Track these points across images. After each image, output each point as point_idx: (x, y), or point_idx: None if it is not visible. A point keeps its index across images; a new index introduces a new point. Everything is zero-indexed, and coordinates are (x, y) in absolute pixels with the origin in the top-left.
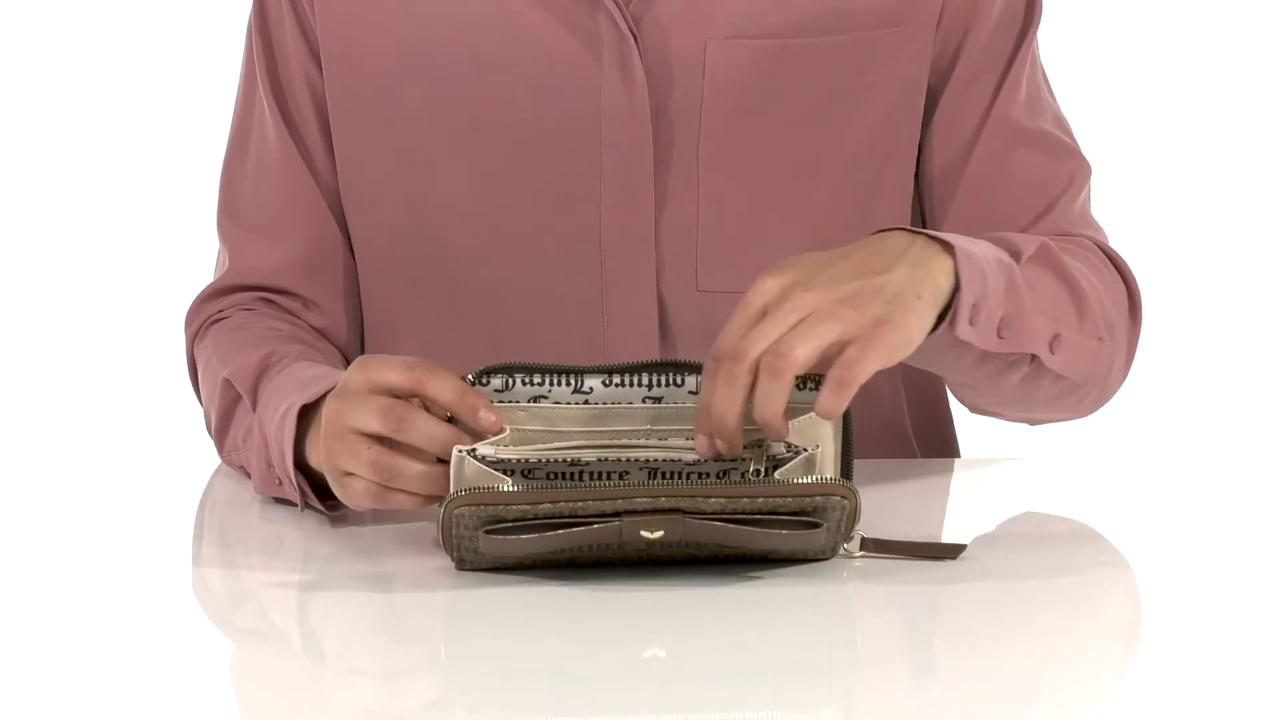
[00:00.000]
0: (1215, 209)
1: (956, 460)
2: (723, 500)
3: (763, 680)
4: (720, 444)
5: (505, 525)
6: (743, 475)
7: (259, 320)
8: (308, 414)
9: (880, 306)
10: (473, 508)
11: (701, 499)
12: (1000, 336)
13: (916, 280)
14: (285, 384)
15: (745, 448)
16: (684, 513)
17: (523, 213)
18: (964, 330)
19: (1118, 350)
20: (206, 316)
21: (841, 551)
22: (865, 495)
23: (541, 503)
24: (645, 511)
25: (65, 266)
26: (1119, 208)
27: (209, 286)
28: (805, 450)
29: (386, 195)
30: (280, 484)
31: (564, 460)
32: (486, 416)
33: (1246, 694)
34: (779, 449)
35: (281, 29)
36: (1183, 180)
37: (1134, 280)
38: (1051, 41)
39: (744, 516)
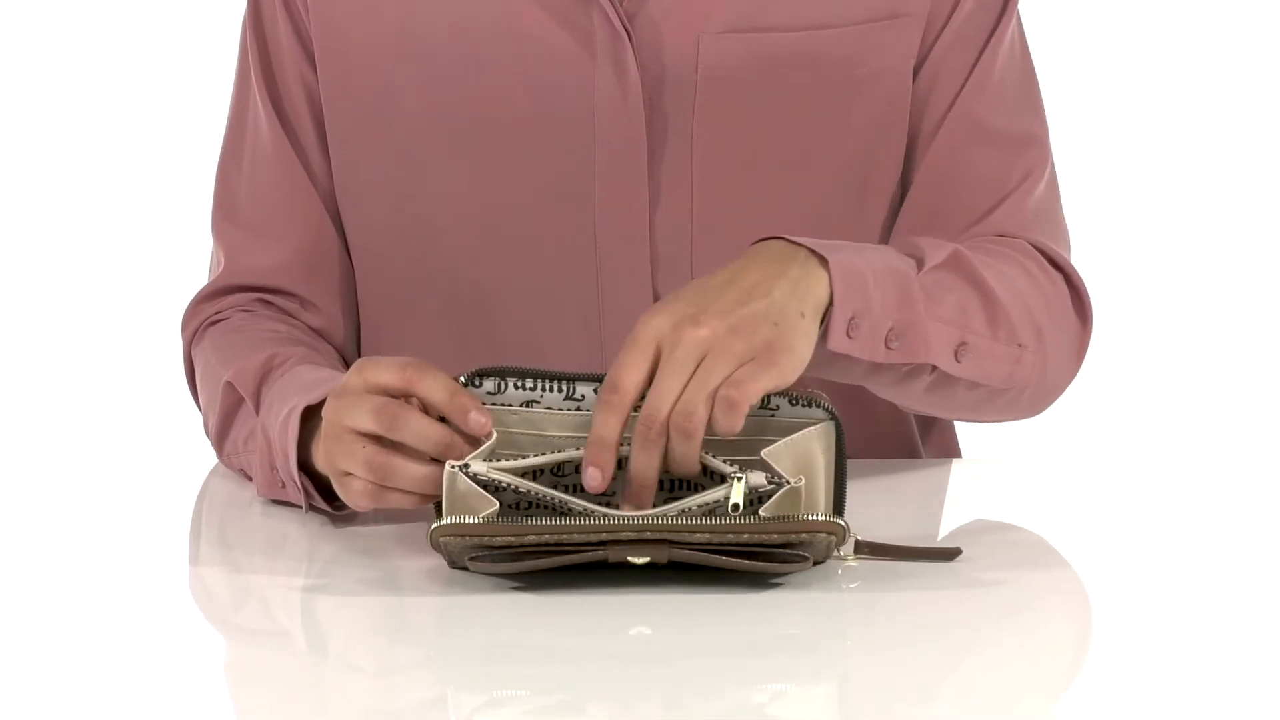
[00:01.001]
0: (1189, 214)
1: (956, 460)
2: (707, 535)
3: (750, 671)
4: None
5: (491, 551)
6: (730, 510)
7: (257, 322)
8: (311, 416)
9: (768, 329)
10: (458, 538)
11: (687, 533)
12: (888, 347)
13: (798, 297)
14: (288, 387)
15: (724, 479)
16: (670, 543)
17: (518, 211)
18: (839, 343)
19: (1050, 353)
20: (204, 318)
21: (835, 555)
22: (863, 495)
23: (526, 534)
24: (631, 542)
25: (65, 267)
26: (1093, 207)
27: (205, 288)
28: (789, 482)
29: (383, 195)
30: (283, 486)
31: (553, 494)
32: (476, 418)
33: (1246, 696)
34: (759, 479)
35: (276, 30)
36: (1155, 184)
37: (1080, 282)
38: (1042, 44)
39: (729, 548)
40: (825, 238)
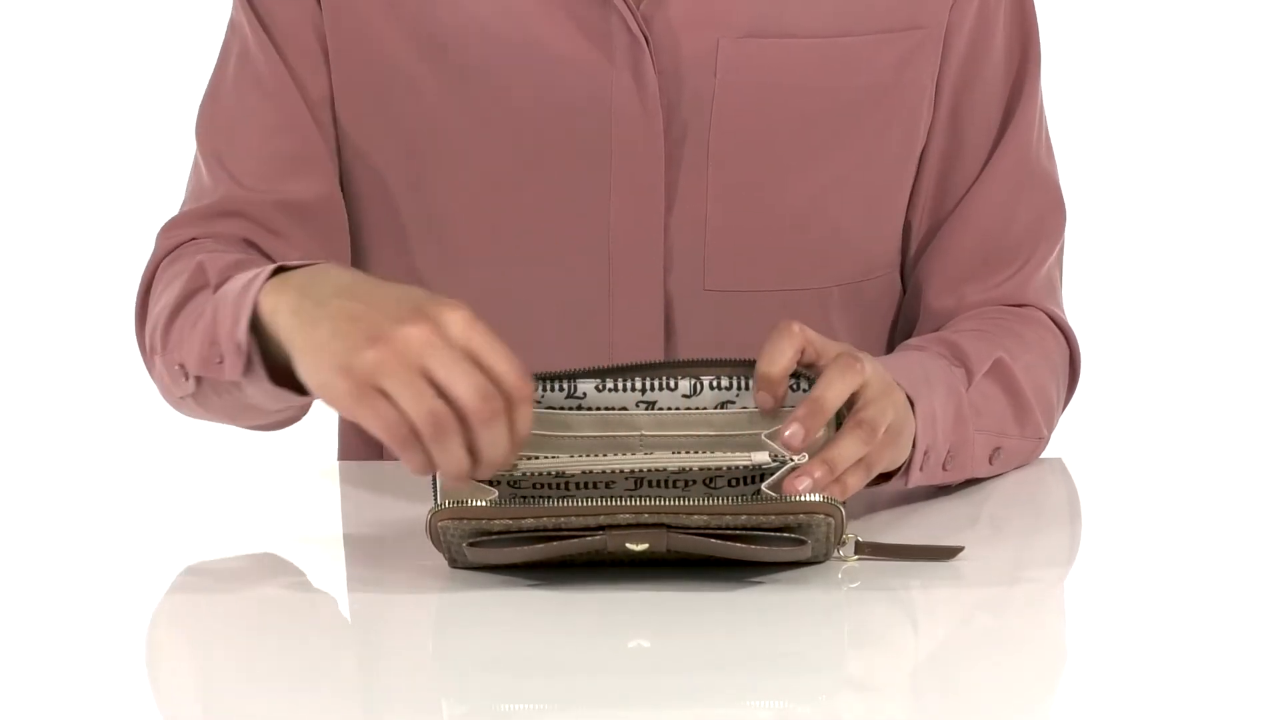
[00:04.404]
0: (1190, 215)
1: None
2: (705, 517)
3: (749, 673)
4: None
5: (489, 537)
6: (729, 484)
7: (234, 251)
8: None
9: (899, 424)
10: (456, 521)
11: (685, 515)
12: (945, 469)
13: (906, 414)
14: (262, 267)
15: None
16: (668, 527)
17: (530, 211)
18: (915, 478)
19: (1055, 425)
20: (187, 238)
21: (836, 556)
22: (862, 495)
23: (524, 518)
24: (629, 526)
25: (61, 267)
26: (1103, 208)
27: (194, 208)
28: (791, 460)
29: (392, 191)
30: (220, 362)
31: (549, 472)
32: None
33: (1247, 696)
34: (762, 457)
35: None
36: (1156, 184)
37: (1077, 348)
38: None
39: (727, 532)
40: (839, 243)
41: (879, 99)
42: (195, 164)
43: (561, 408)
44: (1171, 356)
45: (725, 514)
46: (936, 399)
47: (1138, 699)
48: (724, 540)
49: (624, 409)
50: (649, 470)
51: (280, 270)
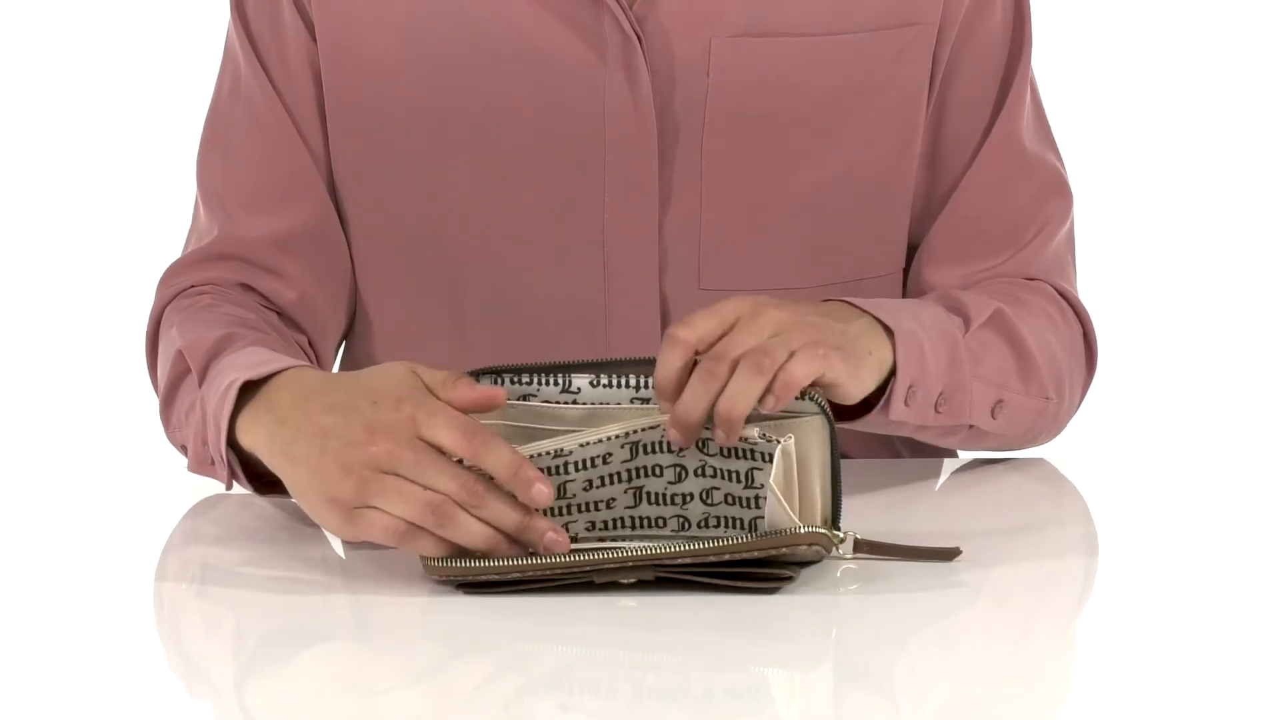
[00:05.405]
0: (1194, 213)
1: (953, 460)
2: (688, 560)
3: (748, 672)
4: (675, 434)
5: (477, 585)
6: (723, 477)
7: (224, 305)
8: (249, 391)
9: (842, 340)
10: (443, 575)
11: (668, 560)
12: (938, 411)
13: (868, 340)
14: (235, 363)
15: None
16: (655, 566)
17: (525, 212)
18: (898, 412)
19: (1066, 399)
20: (187, 284)
21: (835, 554)
22: (861, 495)
23: (509, 574)
24: (614, 569)
25: (56, 266)
26: (1103, 208)
27: (194, 251)
28: (778, 441)
29: (387, 195)
30: (212, 463)
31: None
32: (541, 490)
33: (1244, 695)
34: (750, 432)
35: (278, 18)
36: (1157, 185)
37: (1091, 327)
38: (1047, 45)
39: (712, 569)
40: (836, 243)
41: (873, 97)
42: (196, 202)
43: (557, 402)
44: (1169, 356)
45: (708, 555)
46: (927, 339)
47: (1139, 699)
48: (710, 576)
49: (618, 404)
50: (644, 471)
51: (245, 385)
